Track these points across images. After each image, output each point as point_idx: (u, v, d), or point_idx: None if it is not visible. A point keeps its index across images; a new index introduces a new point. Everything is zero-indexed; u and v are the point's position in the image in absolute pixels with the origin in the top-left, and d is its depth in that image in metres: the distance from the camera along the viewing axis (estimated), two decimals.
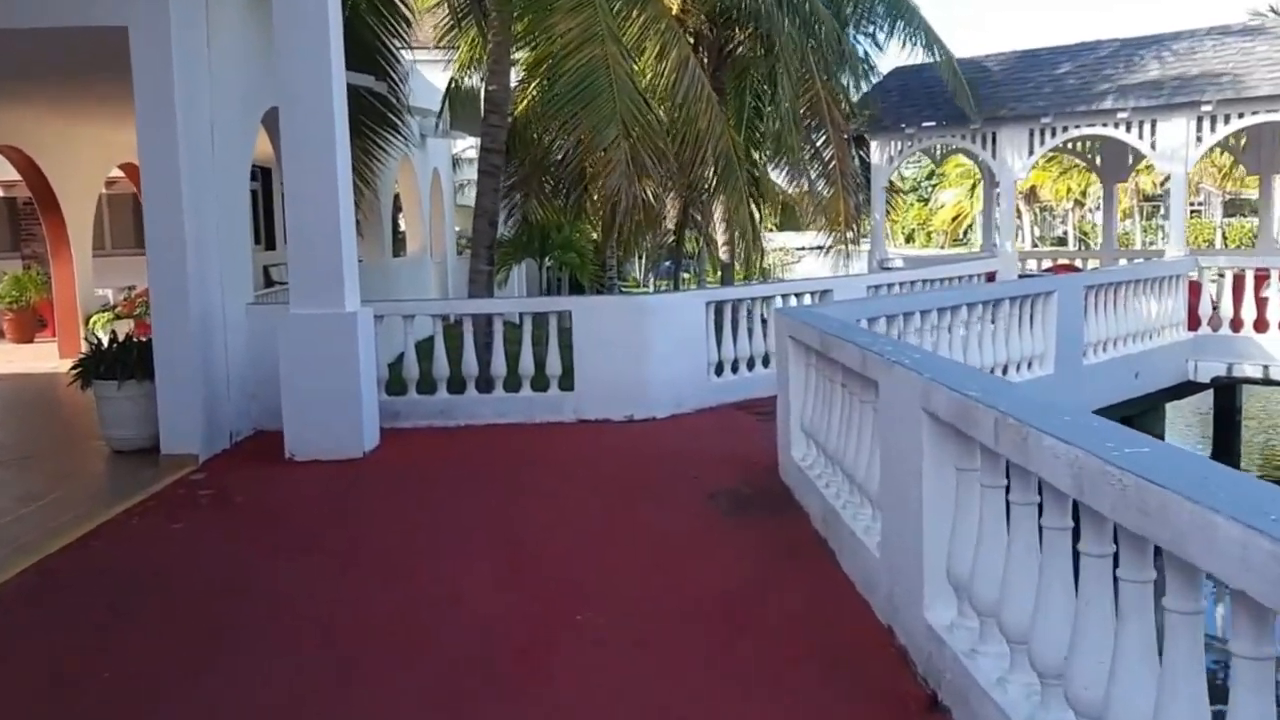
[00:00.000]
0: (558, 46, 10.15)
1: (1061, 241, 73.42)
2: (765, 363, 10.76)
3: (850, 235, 13.64)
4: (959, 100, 13.36)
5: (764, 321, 10.66)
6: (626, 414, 9.48)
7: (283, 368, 8.02)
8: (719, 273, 17.71)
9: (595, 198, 14.43)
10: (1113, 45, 13.92)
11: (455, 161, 23.83)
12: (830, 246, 13.65)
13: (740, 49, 13.78)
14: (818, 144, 13.99)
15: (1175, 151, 12.37)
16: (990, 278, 13.97)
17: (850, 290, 11.62)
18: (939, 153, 16.70)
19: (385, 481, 7.51)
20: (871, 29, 14.74)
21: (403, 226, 21.02)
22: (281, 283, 14.08)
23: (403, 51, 12.85)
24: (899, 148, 14.93)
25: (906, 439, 4.01)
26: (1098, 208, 65.87)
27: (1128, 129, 12.81)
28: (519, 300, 12.22)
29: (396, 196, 18.11)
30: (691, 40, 12.82)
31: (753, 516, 6.30)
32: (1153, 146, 12.60)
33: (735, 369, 10.47)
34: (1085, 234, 65.82)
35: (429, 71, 18.28)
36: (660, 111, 10.88)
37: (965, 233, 76.45)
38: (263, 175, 17.64)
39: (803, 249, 39.88)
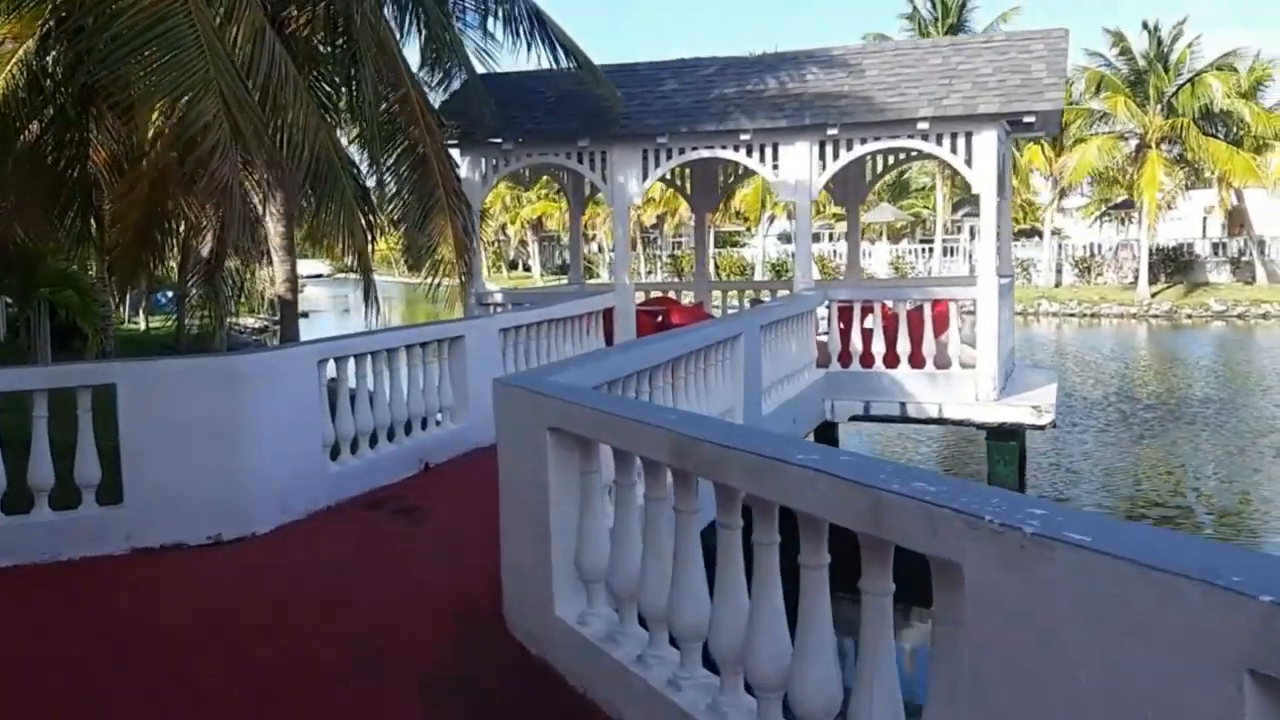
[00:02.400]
0: None
1: (563, 269, 76.09)
2: (390, 436, 8.16)
3: (454, 265, 11.25)
4: (611, 108, 11.58)
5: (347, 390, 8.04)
6: (211, 533, 6.43)
7: None
8: (274, 311, 14.45)
9: (109, 210, 10.81)
10: (717, 64, 12.95)
11: None
12: (436, 282, 11.18)
13: (306, 32, 10.90)
14: (408, 154, 11.47)
15: (799, 178, 11.53)
16: (609, 314, 12.36)
17: (484, 335, 9.35)
18: (528, 175, 14.92)
19: None
20: (481, 15, 12.47)
21: None
22: None
23: None
24: (495, 165, 12.85)
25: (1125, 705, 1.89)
26: (594, 237, 68.83)
27: (749, 153, 11.80)
28: (24, 371, 8.42)
29: None
30: None
31: None
32: (775, 170, 11.69)
33: (355, 448, 7.74)
34: (591, 263, 68.69)
35: None
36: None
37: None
38: None
39: (304, 279, 36.48)
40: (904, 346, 11.24)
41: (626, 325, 12.41)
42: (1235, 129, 37.58)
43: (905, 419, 11.37)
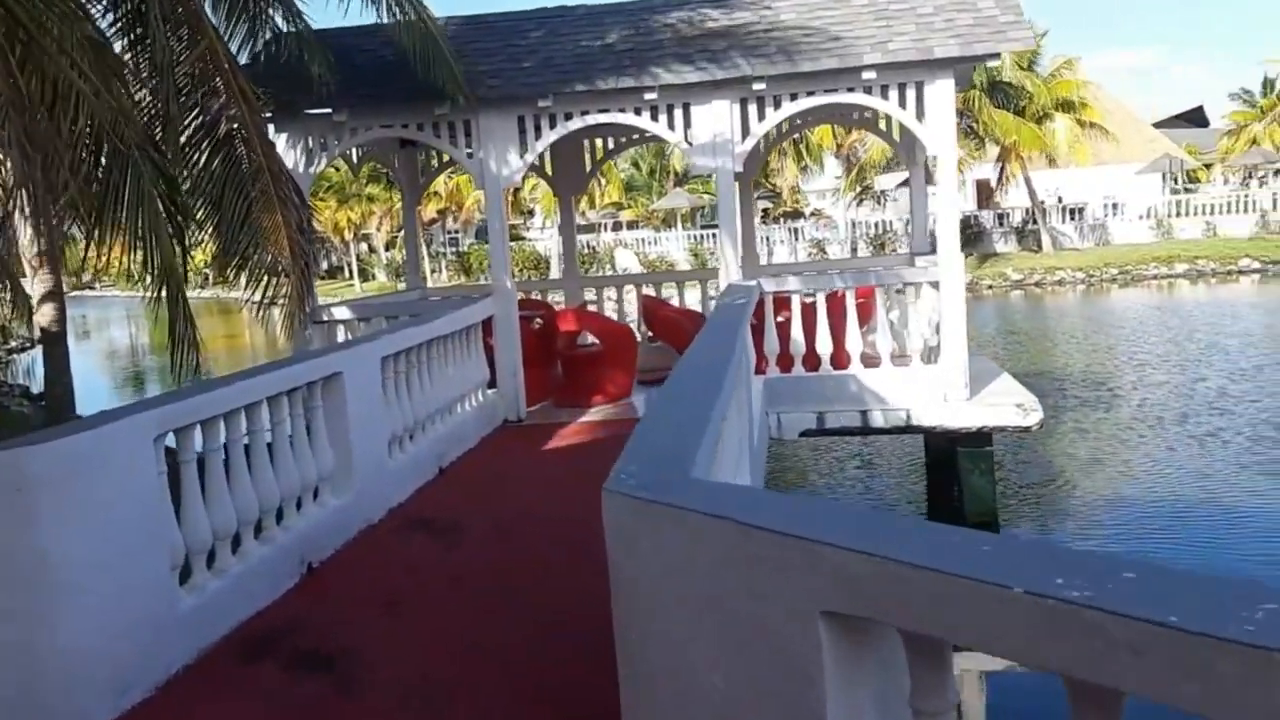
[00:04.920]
0: None
1: (334, 273, 71.23)
2: (257, 531, 5.50)
3: (291, 274, 8.45)
4: (439, 72, 8.95)
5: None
6: None
7: None
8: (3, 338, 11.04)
9: None
10: (591, 11, 10.60)
11: None
12: (267, 301, 8.31)
13: None
14: (215, 129, 8.59)
15: (720, 144, 9.44)
16: (488, 323, 9.90)
17: (364, 369, 6.76)
18: (357, 158, 12.09)
19: None
20: None
21: None
22: None
23: None
24: (322, 143, 10.05)
25: None
26: (366, 236, 64.56)
27: (654, 116, 9.58)
28: None
29: None
30: None
31: None
32: (688, 140, 9.53)
33: (211, 561, 5.05)
34: (366, 265, 64.40)
35: None
36: None
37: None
38: None
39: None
40: (855, 344, 9.41)
41: (509, 336, 9.98)
42: (1017, 100, 38.42)
43: (867, 430, 9.51)
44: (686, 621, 2.30)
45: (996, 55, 9.07)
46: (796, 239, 45.26)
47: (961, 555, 1.89)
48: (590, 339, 11.19)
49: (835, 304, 9.62)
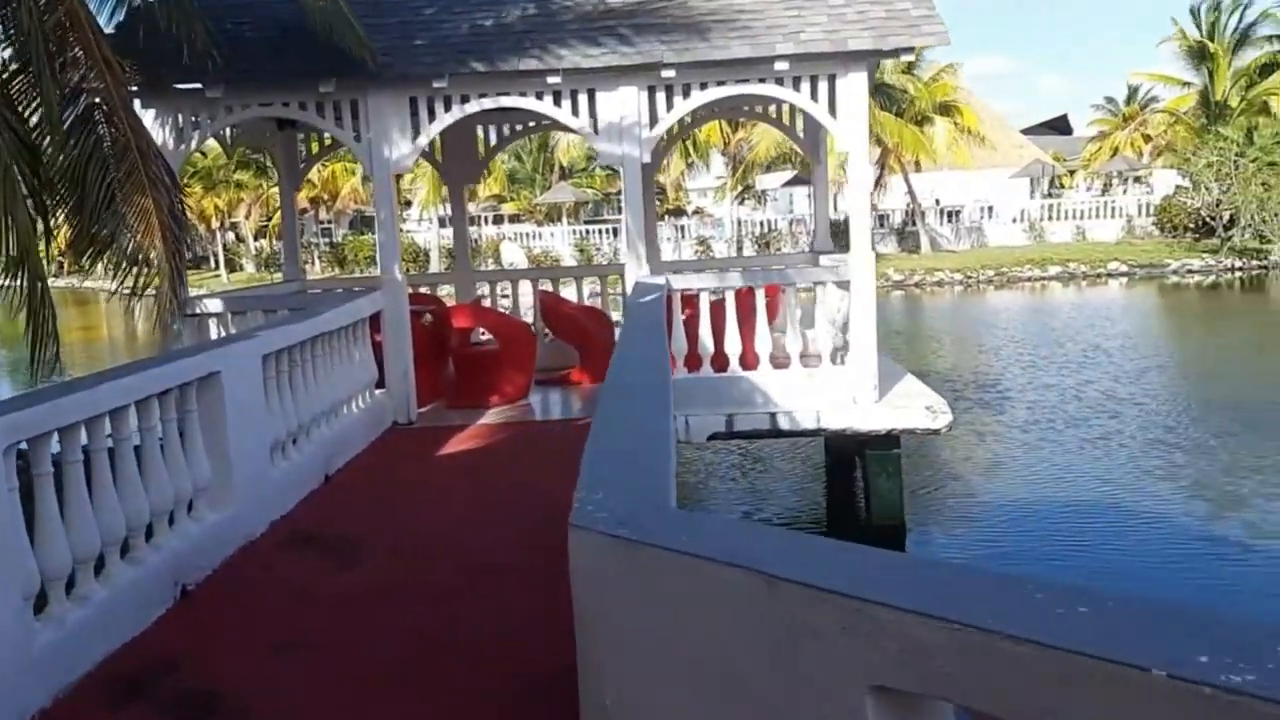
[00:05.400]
0: None
1: (199, 263, 68.18)
2: (124, 551, 4.85)
3: (164, 263, 7.68)
4: (345, 34, 8.28)
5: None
6: None
7: None
8: None
9: None
10: None
11: None
12: (138, 290, 7.54)
13: None
14: (76, 101, 7.76)
15: (628, 133, 9.01)
16: (375, 320, 9.28)
17: (244, 368, 6.12)
18: (231, 139, 11.22)
19: None
20: None
21: None
22: None
23: None
24: (194, 122, 9.24)
25: None
26: (234, 225, 61.97)
27: (558, 101, 9.09)
28: None
29: None
30: None
31: None
32: (594, 127, 9.08)
33: (72, 587, 4.40)
34: (234, 255, 61.77)
35: None
36: None
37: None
38: None
39: None
40: (765, 345, 9.11)
41: (399, 332, 9.38)
42: (899, 103, 39.06)
43: (777, 433, 9.21)
44: (689, 694, 1.86)
45: (910, 50, 8.85)
46: (682, 236, 45.19)
47: (1056, 619, 1.51)
48: (485, 336, 10.65)
49: (744, 302, 9.30)
